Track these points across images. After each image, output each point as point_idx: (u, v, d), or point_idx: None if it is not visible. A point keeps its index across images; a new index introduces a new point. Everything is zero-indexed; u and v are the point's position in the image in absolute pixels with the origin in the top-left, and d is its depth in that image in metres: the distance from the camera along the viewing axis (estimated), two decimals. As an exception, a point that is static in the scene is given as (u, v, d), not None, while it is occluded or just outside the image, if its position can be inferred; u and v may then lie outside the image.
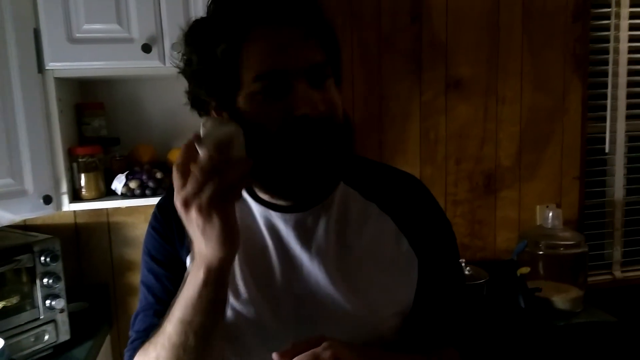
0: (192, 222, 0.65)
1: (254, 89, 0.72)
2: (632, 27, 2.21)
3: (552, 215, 2.03)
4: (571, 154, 2.22)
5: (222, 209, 0.64)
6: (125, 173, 1.56)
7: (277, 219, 0.82)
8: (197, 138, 0.66)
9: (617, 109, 2.26)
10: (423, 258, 0.85)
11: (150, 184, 1.55)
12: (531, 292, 1.85)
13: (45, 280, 1.45)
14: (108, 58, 1.46)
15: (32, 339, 1.43)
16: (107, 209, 1.80)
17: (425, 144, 2.10)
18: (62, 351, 1.50)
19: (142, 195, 1.55)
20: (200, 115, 0.79)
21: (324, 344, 0.69)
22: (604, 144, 2.27)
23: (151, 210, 0.92)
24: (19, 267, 1.41)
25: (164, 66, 1.47)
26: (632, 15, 2.20)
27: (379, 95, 2.04)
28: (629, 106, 2.27)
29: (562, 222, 2.05)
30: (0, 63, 1.35)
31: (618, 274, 2.35)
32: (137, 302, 0.90)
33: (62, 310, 1.49)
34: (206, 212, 0.63)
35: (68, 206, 1.51)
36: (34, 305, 1.44)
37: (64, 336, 1.51)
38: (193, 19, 0.77)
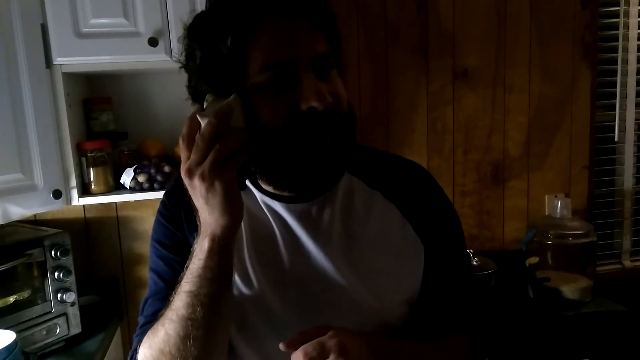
0: (196, 191, 0.68)
1: (260, 80, 0.71)
2: (641, 14, 2.18)
3: (561, 204, 2.02)
4: (580, 143, 2.21)
5: (223, 176, 0.67)
6: (134, 167, 1.57)
7: (281, 209, 0.83)
8: (199, 110, 0.70)
9: (626, 97, 2.24)
10: (429, 245, 0.85)
11: (159, 177, 1.56)
12: (540, 282, 1.85)
13: (56, 274, 1.46)
14: (115, 52, 1.46)
15: (44, 332, 1.45)
16: (116, 202, 1.81)
17: (433, 134, 2.09)
18: (73, 344, 1.52)
19: (151, 188, 1.56)
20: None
21: (330, 332, 0.69)
22: (614, 132, 2.26)
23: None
24: (30, 262, 1.42)
25: (170, 60, 1.47)
26: (642, 2, 2.17)
27: (385, 86, 2.03)
28: (639, 94, 2.25)
29: (571, 212, 2.04)
30: (9, 59, 1.36)
31: (627, 263, 2.34)
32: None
33: (73, 304, 1.50)
34: (208, 180, 0.66)
35: (77, 200, 1.52)
36: (45, 299, 1.46)
37: (75, 329, 1.52)
38: (195, 13, 0.77)
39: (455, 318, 0.87)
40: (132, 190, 1.57)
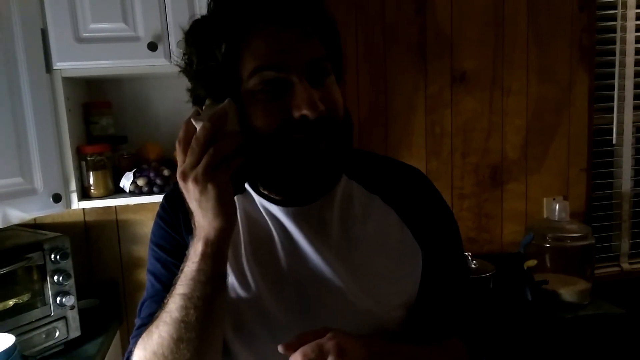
0: (190, 194, 0.69)
1: (252, 86, 0.72)
2: (639, 17, 2.19)
3: (559, 207, 2.03)
4: (578, 145, 2.21)
5: (216, 179, 0.68)
6: (133, 171, 1.58)
7: (279, 212, 0.83)
8: (195, 114, 0.71)
9: (624, 100, 2.24)
10: (426, 249, 0.86)
11: (158, 181, 1.57)
12: (538, 284, 1.85)
13: (55, 277, 1.47)
14: (115, 57, 1.47)
15: (44, 336, 1.45)
16: (115, 206, 1.82)
17: (431, 137, 2.10)
18: (73, 347, 1.52)
19: (150, 192, 1.57)
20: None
21: (329, 334, 0.70)
22: (611, 135, 2.26)
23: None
24: (29, 265, 1.43)
25: (169, 64, 1.48)
26: (639, 4, 2.18)
27: (383, 88, 2.04)
28: (637, 97, 2.26)
29: (569, 215, 2.05)
30: (9, 64, 1.36)
31: (626, 266, 2.34)
32: (146, 296, 0.91)
33: (72, 307, 1.51)
34: (202, 183, 0.67)
35: (77, 204, 1.53)
36: (44, 303, 1.46)
37: (75, 332, 1.53)
38: (194, 18, 0.78)
39: (452, 321, 0.88)
40: (132, 193, 1.58)
